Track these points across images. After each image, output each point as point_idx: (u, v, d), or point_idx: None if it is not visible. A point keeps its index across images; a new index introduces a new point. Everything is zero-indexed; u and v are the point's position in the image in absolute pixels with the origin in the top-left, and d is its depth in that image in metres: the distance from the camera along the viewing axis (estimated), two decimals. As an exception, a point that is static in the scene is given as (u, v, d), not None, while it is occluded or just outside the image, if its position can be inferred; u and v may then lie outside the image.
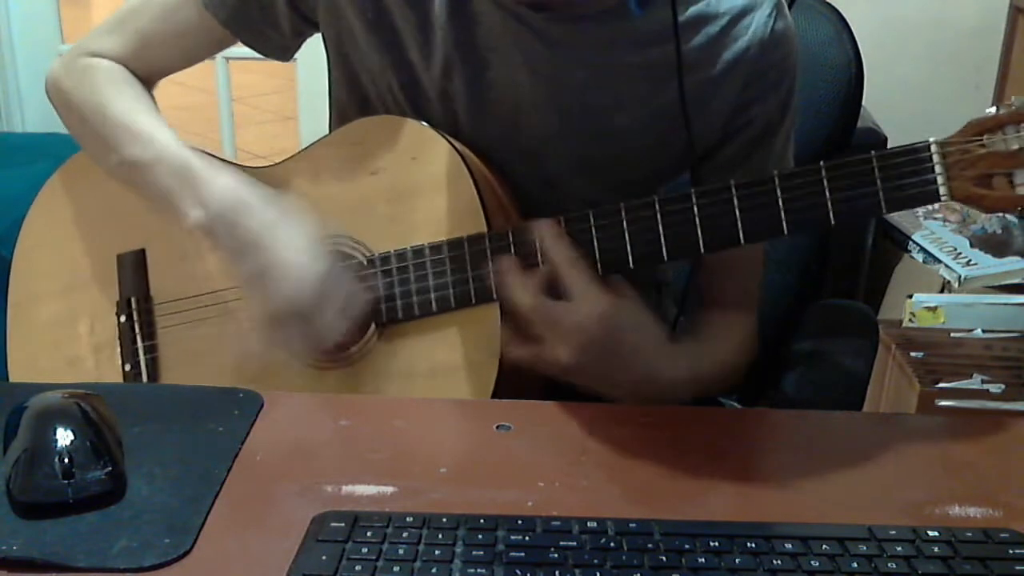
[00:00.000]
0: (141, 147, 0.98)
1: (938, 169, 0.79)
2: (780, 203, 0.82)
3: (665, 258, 0.86)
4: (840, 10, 1.27)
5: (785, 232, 0.83)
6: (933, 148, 0.79)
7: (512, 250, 0.89)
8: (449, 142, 0.93)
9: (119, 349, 1.04)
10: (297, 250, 0.90)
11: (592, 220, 0.87)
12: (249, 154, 3.22)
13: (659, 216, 0.86)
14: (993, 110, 0.79)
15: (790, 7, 1.24)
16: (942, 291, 1.88)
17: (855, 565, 0.66)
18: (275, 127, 3.86)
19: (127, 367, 1.03)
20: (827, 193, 0.81)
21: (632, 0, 0.92)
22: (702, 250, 0.85)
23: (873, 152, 0.80)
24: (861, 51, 1.22)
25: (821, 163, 0.81)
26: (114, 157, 1.00)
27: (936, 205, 2.08)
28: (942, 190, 0.79)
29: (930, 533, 0.69)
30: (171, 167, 0.95)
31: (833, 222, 0.81)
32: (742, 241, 0.84)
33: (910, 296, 1.78)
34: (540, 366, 0.86)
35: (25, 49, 2.51)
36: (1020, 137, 0.77)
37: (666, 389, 0.90)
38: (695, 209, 0.84)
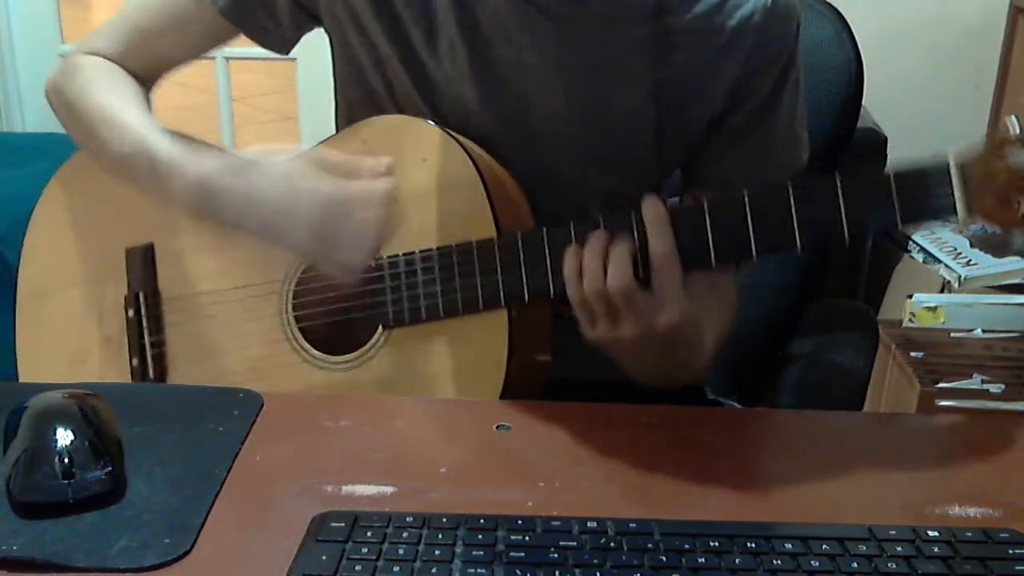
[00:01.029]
0: (121, 142, 0.97)
1: (957, 191, 0.76)
2: (794, 217, 0.80)
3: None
4: (840, 10, 1.27)
5: (798, 247, 0.80)
6: (953, 169, 0.76)
7: (521, 256, 0.88)
8: (461, 144, 0.92)
9: (127, 343, 1.04)
10: (283, 193, 0.88)
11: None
12: (249, 154, 3.22)
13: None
14: (1015, 126, 0.77)
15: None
16: (942, 291, 1.88)
17: (855, 565, 0.66)
18: (275, 127, 3.85)
19: (135, 361, 1.03)
20: (842, 211, 0.79)
21: None
22: (713, 263, 0.83)
23: (890, 167, 0.78)
24: (861, 51, 1.22)
25: (837, 179, 0.79)
26: (101, 152, 1.00)
27: (936, 205, 2.08)
28: (960, 209, 0.76)
29: (930, 533, 0.69)
30: (147, 158, 0.95)
31: (847, 241, 0.79)
32: (754, 254, 0.81)
33: (910, 296, 1.79)
34: (589, 330, 0.85)
35: (25, 49, 2.51)
36: None
37: (678, 373, 0.90)
38: (707, 219, 0.82)
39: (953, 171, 0.76)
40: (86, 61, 1.05)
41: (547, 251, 0.87)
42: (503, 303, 0.89)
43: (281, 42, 1.05)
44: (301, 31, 1.04)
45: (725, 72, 0.96)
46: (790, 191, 0.80)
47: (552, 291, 0.87)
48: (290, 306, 0.97)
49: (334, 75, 1.05)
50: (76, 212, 1.08)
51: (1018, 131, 0.75)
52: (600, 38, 0.94)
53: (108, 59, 1.05)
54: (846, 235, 0.79)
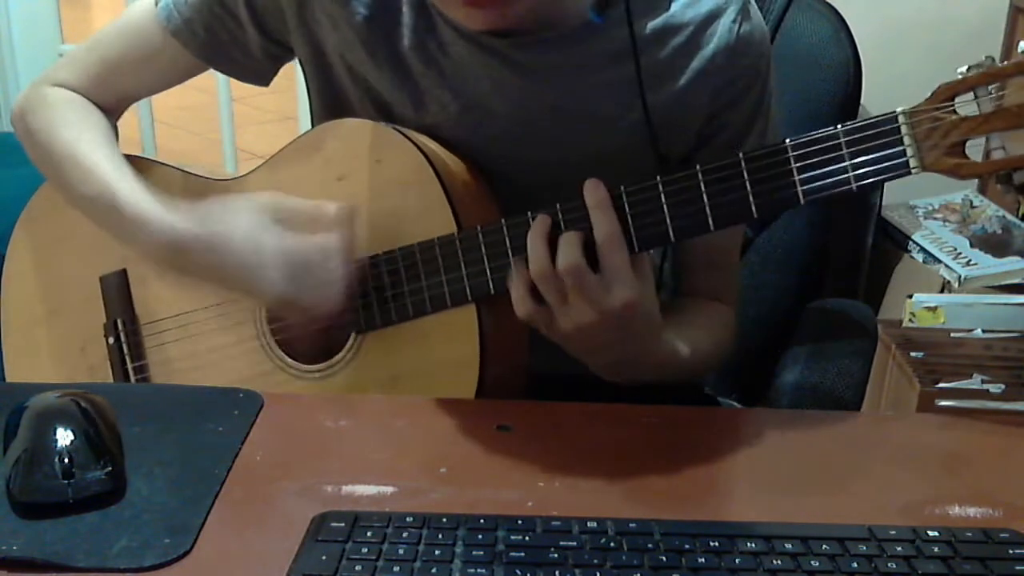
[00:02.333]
0: (87, 183, 0.97)
1: (907, 140, 0.76)
2: (747, 185, 0.80)
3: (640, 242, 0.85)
4: (839, 9, 1.27)
5: (754, 215, 0.81)
6: (901, 119, 0.76)
7: (483, 249, 0.88)
8: (414, 143, 0.92)
9: (111, 371, 1.04)
10: (248, 250, 0.88)
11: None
12: (249, 154, 3.22)
13: (628, 205, 0.83)
14: (964, 70, 0.76)
15: (788, 7, 1.24)
16: (942, 291, 1.88)
17: (855, 565, 0.66)
18: (275, 127, 3.85)
19: None
20: (794, 172, 0.79)
21: (591, 12, 0.91)
22: (672, 238, 0.83)
23: (839, 126, 0.78)
24: (860, 50, 1.22)
25: (786, 141, 0.79)
26: (67, 188, 1.00)
27: (936, 204, 2.08)
28: (912, 162, 0.76)
29: (930, 533, 0.69)
30: (113, 205, 0.95)
31: (802, 202, 0.79)
32: (711, 227, 0.82)
33: (910, 296, 1.78)
34: (542, 326, 0.84)
35: (25, 49, 2.51)
36: (991, 99, 0.74)
37: (645, 370, 0.89)
38: (662, 197, 0.82)
39: (902, 122, 0.76)
40: (53, 94, 1.04)
41: (508, 242, 0.87)
42: (470, 298, 0.89)
43: (257, 75, 1.06)
44: (276, 62, 1.04)
45: (695, 110, 0.95)
46: (742, 161, 0.80)
47: None
48: (265, 318, 0.97)
49: (310, 102, 1.04)
50: (51, 241, 1.08)
51: (965, 72, 0.75)
52: (562, 85, 0.94)
53: (75, 91, 1.04)
54: (800, 198, 0.79)
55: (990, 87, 0.75)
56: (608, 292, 0.80)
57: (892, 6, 2.24)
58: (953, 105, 0.76)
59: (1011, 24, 2.22)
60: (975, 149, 0.77)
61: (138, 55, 1.03)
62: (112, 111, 1.07)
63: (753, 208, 0.81)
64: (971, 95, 0.75)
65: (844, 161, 0.78)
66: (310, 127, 1.01)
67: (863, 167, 0.78)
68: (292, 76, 2.53)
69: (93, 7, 5.06)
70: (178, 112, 3.49)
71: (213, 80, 2.52)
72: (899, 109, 0.77)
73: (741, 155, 0.80)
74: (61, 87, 1.05)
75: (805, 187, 0.79)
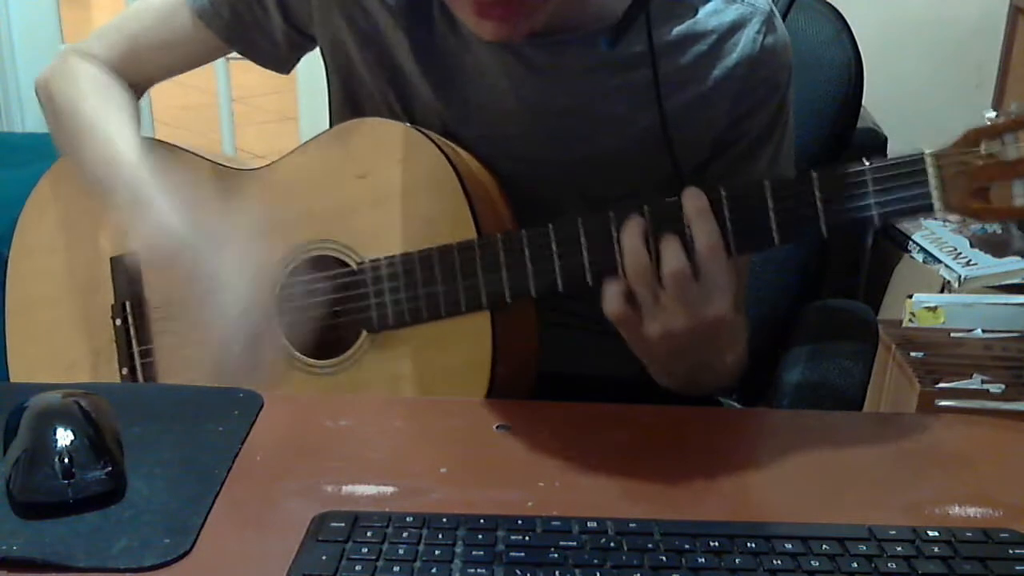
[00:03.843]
0: (102, 153, 0.98)
1: (933, 182, 0.77)
2: (771, 214, 0.80)
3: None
4: (840, 10, 1.27)
5: (776, 243, 0.81)
6: (928, 160, 0.77)
7: (502, 257, 0.88)
8: (437, 145, 0.92)
9: (116, 353, 1.04)
10: (236, 284, 0.90)
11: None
12: (249, 154, 3.22)
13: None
14: (992, 115, 0.77)
15: (789, 7, 1.24)
16: (942, 291, 1.89)
17: (855, 565, 0.66)
18: (275, 127, 3.85)
19: (124, 371, 1.03)
20: (819, 205, 0.79)
21: (604, 41, 0.91)
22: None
23: (867, 163, 0.78)
24: (861, 51, 1.22)
25: (813, 173, 0.79)
26: (78, 159, 1.01)
27: (936, 205, 2.08)
28: (936, 204, 0.77)
29: (930, 533, 0.69)
30: (125, 180, 0.95)
31: (825, 235, 0.79)
32: (734, 253, 0.81)
33: (910, 296, 1.79)
34: (625, 328, 0.82)
35: (25, 49, 2.51)
36: (1019, 146, 0.74)
37: (710, 378, 0.89)
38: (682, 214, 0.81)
39: (928, 163, 0.76)
40: (81, 67, 1.05)
41: (527, 252, 0.87)
42: (485, 305, 0.89)
43: (277, 61, 1.06)
44: (298, 51, 1.05)
45: (713, 119, 0.95)
46: (767, 189, 0.80)
47: (533, 291, 0.87)
48: (275, 311, 0.97)
49: (328, 89, 1.05)
50: (61, 221, 1.08)
51: (994, 118, 0.76)
52: (579, 86, 0.94)
53: (104, 65, 1.05)
54: (824, 231, 0.79)
55: (1019, 133, 0.75)
56: (708, 301, 0.79)
57: (893, 6, 2.24)
58: (979, 149, 0.76)
59: (1011, 24, 2.22)
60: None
61: (165, 34, 1.04)
62: (136, 88, 1.08)
63: (775, 236, 0.80)
64: (999, 141, 0.75)
65: (869, 199, 0.78)
66: (315, 124, 1.02)
67: (887, 205, 0.78)
68: (293, 76, 2.54)
69: (93, 7, 5.06)
70: (178, 112, 3.49)
71: (213, 80, 2.52)
72: (926, 150, 0.77)
73: (767, 183, 0.80)
74: (89, 60, 1.06)
75: (828, 219, 0.79)
